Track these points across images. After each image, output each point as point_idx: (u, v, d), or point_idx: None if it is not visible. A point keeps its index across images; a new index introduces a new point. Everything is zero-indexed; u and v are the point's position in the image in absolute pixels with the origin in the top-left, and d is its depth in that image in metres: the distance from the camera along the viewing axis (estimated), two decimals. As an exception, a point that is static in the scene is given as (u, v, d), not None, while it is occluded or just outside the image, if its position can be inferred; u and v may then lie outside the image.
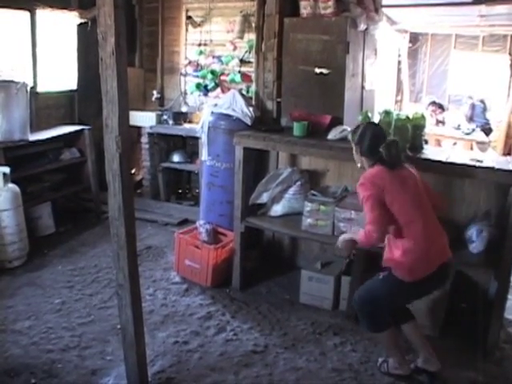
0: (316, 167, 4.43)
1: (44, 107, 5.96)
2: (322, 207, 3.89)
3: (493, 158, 3.97)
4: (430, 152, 3.67)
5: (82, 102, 6.42)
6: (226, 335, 3.62)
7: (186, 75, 6.60)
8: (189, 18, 6.41)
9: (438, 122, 8.49)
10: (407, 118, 3.68)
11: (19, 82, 4.77)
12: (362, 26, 4.53)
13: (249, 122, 4.50)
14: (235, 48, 6.11)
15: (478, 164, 3.38)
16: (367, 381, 3.19)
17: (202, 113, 5.38)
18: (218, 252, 4.27)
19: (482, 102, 8.54)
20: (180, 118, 6.33)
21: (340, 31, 4.28)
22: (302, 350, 3.47)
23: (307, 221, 3.94)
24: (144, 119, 6.31)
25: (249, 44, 5.89)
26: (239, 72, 6.07)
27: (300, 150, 4.01)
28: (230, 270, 4.30)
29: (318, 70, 4.36)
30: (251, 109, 4.57)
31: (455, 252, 3.59)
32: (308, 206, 3.90)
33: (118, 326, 3.25)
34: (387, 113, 3.71)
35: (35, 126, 5.50)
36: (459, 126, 8.18)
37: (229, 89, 5.83)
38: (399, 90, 10.70)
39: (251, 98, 4.99)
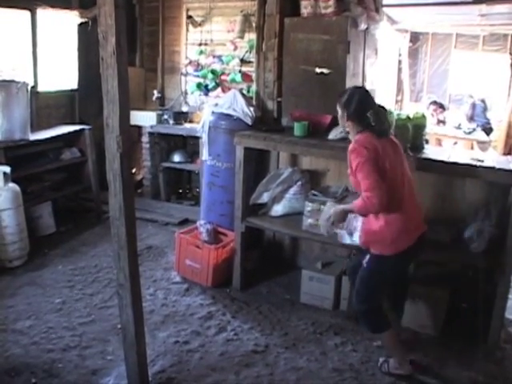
0: (317, 167, 4.43)
1: (44, 107, 5.96)
2: (323, 207, 3.89)
3: (493, 158, 3.97)
4: (431, 152, 3.67)
5: (82, 101, 6.43)
6: (227, 335, 3.62)
7: (186, 75, 6.60)
8: (189, 17, 6.41)
9: (439, 121, 8.48)
10: (408, 117, 3.68)
11: (20, 81, 4.77)
12: (363, 26, 4.52)
13: (249, 121, 4.50)
14: (236, 48, 6.10)
15: (478, 164, 3.38)
16: (368, 381, 3.19)
17: (203, 112, 5.37)
18: (218, 252, 4.27)
19: (483, 101, 8.53)
20: (180, 117, 6.33)
21: (340, 31, 4.27)
22: (303, 350, 3.47)
23: (308, 221, 3.94)
24: (144, 119, 6.31)
25: (249, 44, 5.89)
26: (240, 72, 6.06)
27: (301, 149, 4.00)
28: (231, 270, 4.30)
29: (318, 70, 4.36)
30: (252, 109, 4.57)
31: (456, 252, 3.62)
32: (309, 206, 3.90)
33: (119, 326, 3.26)
34: (388, 112, 3.70)
35: (36, 126, 5.50)
36: (460, 125, 8.17)
37: (229, 88, 5.83)
38: (400, 89, 10.70)
39: (252, 98, 4.98)
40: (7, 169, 4.46)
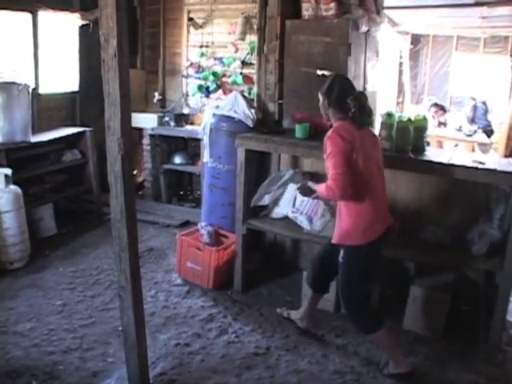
0: (318, 169, 4.42)
1: (46, 109, 5.96)
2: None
3: (495, 160, 3.97)
4: (432, 154, 3.67)
5: (83, 103, 6.43)
6: (228, 337, 3.61)
7: (187, 77, 6.60)
8: (190, 19, 6.41)
9: (440, 123, 8.48)
10: (409, 119, 3.67)
11: (21, 83, 4.77)
12: (364, 28, 4.52)
13: (250, 123, 4.50)
14: (237, 50, 6.11)
15: (480, 166, 3.38)
16: (369, 383, 3.18)
17: (204, 114, 5.38)
18: (219, 254, 4.27)
19: (484, 103, 8.53)
20: (182, 119, 6.33)
21: (342, 33, 4.27)
22: (304, 352, 3.46)
23: (309, 223, 3.94)
24: (146, 121, 6.31)
25: (250, 46, 5.89)
26: (241, 74, 6.07)
27: (302, 151, 4.00)
28: (232, 272, 4.30)
29: (319, 72, 4.35)
30: (253, 111, 4.57)
31: (457, 254, 3.62)
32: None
33: (120, 328, 3.26)
34: (389, 115, 3.71)
35: (37, 128, 5.50)
36: (461, 127, 8.17)
37: (230, 91, 5.83)
38: (401, 91, 10.70)
39: (253, 100, 4.99)
40: (8, 171, 4.47)
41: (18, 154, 4.88)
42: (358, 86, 4.67)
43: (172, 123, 6.26)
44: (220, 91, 6.30)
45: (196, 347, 3.47)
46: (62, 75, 6.29)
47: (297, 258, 4.74)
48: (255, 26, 5.39)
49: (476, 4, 6.81)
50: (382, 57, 5.71)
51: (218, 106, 4.78)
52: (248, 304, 4.08)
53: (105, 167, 2.66)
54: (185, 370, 3.23)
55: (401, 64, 10.48)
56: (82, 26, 6.18)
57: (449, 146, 7.63)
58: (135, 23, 6.71)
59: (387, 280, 4.00)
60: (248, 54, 6.01)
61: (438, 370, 3.30)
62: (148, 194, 6.66)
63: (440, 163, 3.45)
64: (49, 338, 3.50)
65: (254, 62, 5.73)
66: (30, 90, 4.99)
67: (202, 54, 6.40)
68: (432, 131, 7.26)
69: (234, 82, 6.08)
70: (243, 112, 4.55)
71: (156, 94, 6.70)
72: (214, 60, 6.32)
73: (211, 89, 6.33)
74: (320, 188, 3.07)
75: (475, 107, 8.51)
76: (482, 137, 7.97)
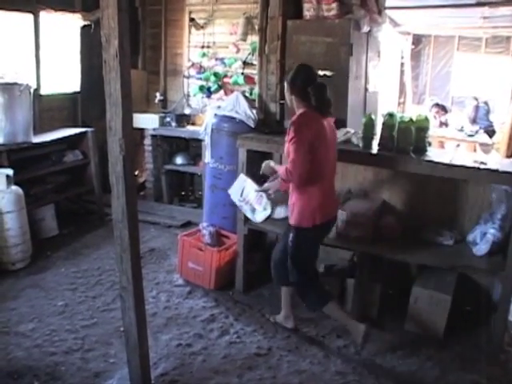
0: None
1: (47, 109, 5.96)
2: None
3: (496, 160, 3.96)
4: (434, 154, 3.66)
5: (85, 104, 6.43)
6: (230, 338, 3.61)
7: (189, 77, 6.61)
8: (192, 20, 6.42)
9: (441, 123, 8.46)
10: (411, 120, 3.67)
11: (22, 84, 4.78)
12: (365, 28, 4.53)
13: (252, 124, 4.50)
14: (238, 50, 6.11)
15: (481, 166, 3.37)
16: (371, 384, 3.19)
17: (205, 115, 5.38)
18: (221, 254, 4.27)
19: (486, 103, 8.51)
20: (183, 120, 6.33)
21: (343, 33, 4.28)
22: (306, 353, 3.46)
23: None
24: (147, 121, 6.32)
25: (252, 46, 5.89)
26: (242, 74, 6.07)
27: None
28: (233, 273, 4.30)
29: (321, 73, 4.34)
30: (254, 111, 4.58)
31: (459, 255, 3.61)
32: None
33: (121, 329, 3.25)
34: (391, 115, 3.70)
35: (38, 128, 5.51)
36: (462, 127, 8.14)
37: (232, 91, 5.83)
38: (402, 91, 10.68)
39: (254, 101, 4.99)
40: (10, 171, 4.47)
41: (19, 155, 4.88)
42: (360, 87, 4.69)
43: (173, 124, 6.26)
44: (221, 92, 6.30)
45: (198, 348, 3.47)
46: (63, 76, 6.30)
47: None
48: (256, 27, 5.38)
49: (478, 4, 6.79)
50: (384, 57, 5.71)
51: (219, 107, 4.79)
52: (250, 304, 4.08)
53: (106, 168, 2.66)
54: (186, 370, 3.22)
55: (402, 64, 10.45)
56: (83, 27, 6.19)
57: (450, 147, 7.62)
58: (137, 24, 6.71)
59: (389, 280, 4.00)
60: (249, 54, 6.01)
61: (439, 371, 3.30)
62: (149, 195, 6.66)
63: (442, 163, 3.45)
64: (50, 338, 3.50)
65: (255, 62, 5.73)
66: (32, 91, 5.00)
67: (204, 55, 6.41)
68: (433, 131, 7.25)
69: (236, 83, 6.08)
70: (245, 112, 4.55)
71: (157, 94, 6.70)
72: (215, 60, 6.32)
73: (213, 89, 6.34)
74: (281, 169, 3.24)
75: (477, 107, 8.49)
76: (483, 137, 7.94)
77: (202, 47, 6.44)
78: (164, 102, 6.79)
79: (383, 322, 3.84)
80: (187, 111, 6.59)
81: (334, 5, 4.31)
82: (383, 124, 3.71)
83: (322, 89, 3.18)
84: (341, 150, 3.75)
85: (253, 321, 3.85)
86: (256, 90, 5.27)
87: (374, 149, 3.74)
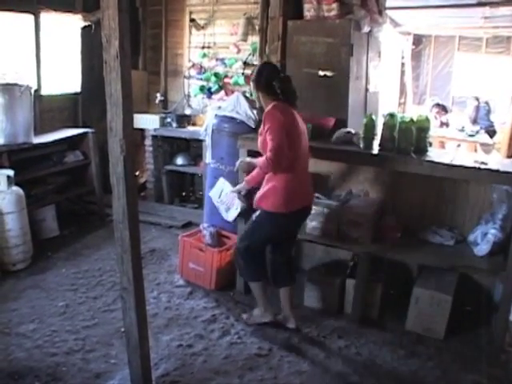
0: (320, 170, 4.42)
1: (48, 110, 5.96)
2: (326, 210, 3.89)
3: (497, 161, 3.95)
4: (435, 154, 3.66)
5: (85, 104, 6.43)
6: (231, 338, 3.61)
7: (189, 78, 6.61)
8: (192, 20, 6.42)
9: (442, 123, 8.45)
10: (411, 120, 3.66)
11: (23, 84, 4.78)
12: (366, 29, 4.52)
13: (253, 124, 4.49)
14: (239, 51, 6.11)
15: (482, 166, 3.37)
16: (372, 384, 3.18)
17: (206, 115, 5.39)
18: (221, 255, 4.27)
19: (487, 103, 8.51)
20: (184, 120, 6.33)
21: (344, 34, 4.27)
22: (307, 354, 3.46)
23: (311, 224, 3.93)
24: (148, 122, 6.32)
25: (252, 46, 5.89)
26: (243, 74, 6.07)
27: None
28: (234, 273, 4.28)
29: (321, 73, 4.36)
30: (255, 111, 4.57)
31: (460, 255, 3.61)
32: (312, 209, 3.89)
33: (122, 329, 3.26)
34: (392, 115, 3.70)
35: (39, 129, 5.51)
36: (463, 127, 8.14)
37: (232, 91, 5.84)
38: (403, 92, 10.68)
39: (255, 101, 4.98)
40: (11, 172, 4.47)
41: (20, 156, 4.88)
42: (360, 87, 4.69)
43: (174, 124, 6.26)
44: (222, 92, 6.30)
45: (198, 348, 3.47)
46: (64, 76, 6.29)
47: (299, 258, 4.72)
48: (257, 27, 5.40)
49: (478, 4, 6.79)
50: (384, 57, 5.71)
51: (219, 107, 4.78)
52: (250, 305, 4.06)
53: (107, 168, 2.66)
54: (187, 371, 3.22)
55: (403, 64, 10.45)
56: (84, 28, 6.18)
57: (451, 147, 7.62)
58: (137, 24, 6.71)
59: (389, 280, 3.99)
60: (250, 54, 6.01)
61: (440, 371, 3.29)
62: (150, 195, 6.66)
63: (442, 164, 3.45)
64: (51, 339, 3.50)
65: (255, 62, 5.74)
66: (32, 92, 5.00)
67: (204, 55, 6.41)
68: (434, 132, 7.25)
69: (236, 83, 6.08)
70: (245, 113, 4.54)
71: (158, 94, 6.70)
72: (215, 61, 6.32)
73: (213, 90, 6.34)
74: (259, 161, 3.32)
75: (478, 107, 8.48)
76: (484, 137, 7.94)
77: (203, 48, 6.45)
78: (164, 103, 6.79)
79: (384, 322, 3.84)
80: (188, 112, 6.59)
81: (335, 5, 4.31)
82: (384, 124, 3.71)
83: (286, 81, 3.36)
84: (342, 151, 3.77)
85: (254, 321, 3.85)
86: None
87: (375, 149, 3.74)
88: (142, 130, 6.43)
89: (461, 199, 3.89)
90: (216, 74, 6.27)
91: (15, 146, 4.76)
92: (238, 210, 4.05)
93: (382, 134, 3.71)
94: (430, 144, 3.83)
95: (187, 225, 5.75)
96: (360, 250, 3.83)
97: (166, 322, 3.79)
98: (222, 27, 6.27)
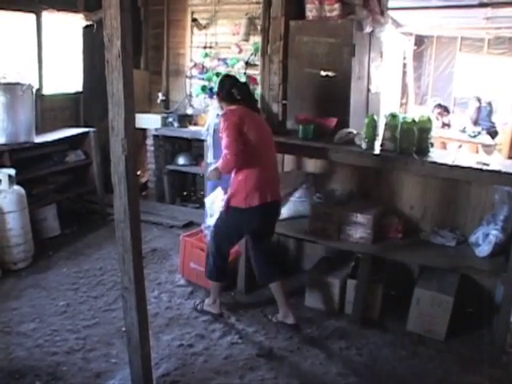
0: (322, 170, 4.42)
1: (49, 109, 5.97)
2: (327, 210, 3.88)
3: (499, 161, 3.96)
4: (437, 155, 3.66)
5: (87, 104, 6.44)
6: (231, 338, 3.61)
7: (191, 77, 6.61)
8: (194, 20, 6.42)
9: (444, 124, 8.45)
10: (413, 121, 3.66)
11: (25, 84, 4.78)
12: (368, 29, 4.51)
13: (254, 124, 4.48)
14: (241, 50, 6.11)
15: (484, 167, 3.36)
16: (373, 385, 3.18)
17: (207, 115, 5.38)
18: (222, 255, 4.26)
19: (489, 104, 8.50)
20: (185, 120, 6.34)
21: (346, 34, 4.26)
22: (307, 354, 3.45)
23: (313, 224, 3.93)
24: (149, 121, 6.32)
25: (254, 46, 5.90)
26: (244, 74, 6.07)
27: (305, 152, 4.00)
28: (235, 273, 4.29)
29: (323, 73, 4.35)
30: (256, 111, 4.56)
31: (461, 256, 3.61)
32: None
33: (123, 329, 3.26)
34: (393, 116, 3.70)
35: (40, 128, 5.52)
36: (465, 128, 8.14)
37: (234, 91, 5.82)
38: (404, 92, 10.68)
39: (256, 101, 4.97)
40: (12, 171, 4.47)
41: (21, 155, 4.89)
42: (362, 87, 4.68)
43: (176, 124, 6.26)
44: (223, 92, 6.29)
45: (199, 348, 3.47)
46: (65, 76, 6.30)
47: (300, 258, 4.73)
48: (259, 27, 5.38)
49: (480, 5, 6.79)
50: (386, 58, 5.70)
51: (221, 107, 4.78)
52: (251, 305, 4.07)
53: (108, 168, 2.66)
54: (188, 370, 3.22)
55: (405, 65, 10.46)
56: (85, 27, 6.19)
57: (453, 148, 7.62)
58: (139, 24, 6.72)
59: (391, 281, 3.99)
60: (252, 54, 6.02)
61: (441, 372, 3.29)
62: (151, 195, 6.66)
63: (444, 164, 3.44)
64: (52, 338, 3.50)
65: (257, 62, 5.74)
66: (34, 91, 5.01)
67: (206, 55, 6.41)
68: (436, 132, 7.25)
69: (238, 83, 6.07)
70: (247, 113, 4.53)
71: (160, 94, 6.71)
72: (217, 61, 6.33)
73: (215, 89, 6.32)
74: (219, 162, 3.45)
75: (479, 108, 8.48)
76: (486, 138, 7.94)
77: (205, 47, 6.45)
78: (166, 103, 6.79)
79: (385, 323, 3.83)
80: (189, 111, 6.59)
81: (337, 5, 4.30)
82: (386, 125, 3.71)
83: (244, 87, 3.61)
84: (343, 151, 3.77)
85: (254, 321, 3.84)
86: (258, 90, 5.26)
87: (377, 150, 3.74)
88: (144, 130, 6.43)
89: (462, 200, 3.89)
90: (218, 74, 6.26)
91: (17, 146, 4.77)
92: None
93: (383, 135, 3.71)
94: (432, 145, 3.82)
95: (188, 225, 5.75)
96: (361, 251, 3.83)
97: (166, 321, 3.79)
98: (223, 27, 6.27)
